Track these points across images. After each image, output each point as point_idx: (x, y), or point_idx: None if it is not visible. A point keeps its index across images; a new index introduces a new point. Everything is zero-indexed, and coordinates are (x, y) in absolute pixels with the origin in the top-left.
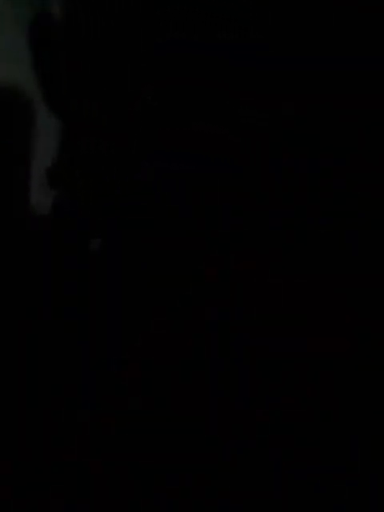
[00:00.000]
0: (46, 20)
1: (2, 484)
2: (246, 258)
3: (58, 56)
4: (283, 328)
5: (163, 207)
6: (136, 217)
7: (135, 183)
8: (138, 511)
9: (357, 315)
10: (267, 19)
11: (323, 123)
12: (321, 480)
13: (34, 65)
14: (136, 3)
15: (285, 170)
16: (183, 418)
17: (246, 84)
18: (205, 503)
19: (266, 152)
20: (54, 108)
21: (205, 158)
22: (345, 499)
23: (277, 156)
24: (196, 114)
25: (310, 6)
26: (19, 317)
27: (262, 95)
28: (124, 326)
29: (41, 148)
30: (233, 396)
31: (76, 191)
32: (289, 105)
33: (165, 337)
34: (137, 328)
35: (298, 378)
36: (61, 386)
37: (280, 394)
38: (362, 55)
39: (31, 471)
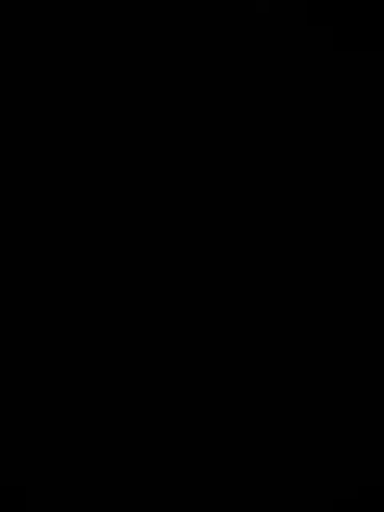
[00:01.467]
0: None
1: (3, 482)
2: (245, 258)
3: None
4: (283, 328)
5: (163, 207)
6: (136, 216)
7: (135, 183)
8: (137, 511)
9: (357, 315)
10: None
11: (323, 123)
12: (320, 479)
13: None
14: (136, 3)
15: (285, 170)
16: (183, 418)
17: (246, 84)
18: (205, 503)
19: (266, 152)
20: (55, 108)
21: (204, 158)
22: (344, 498)
23: (277, 156)
24: (196, 114)
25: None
26: (19, 316)
27: (261, 95)
28: (124, 326)
29: (41, 147)
30: (233, 396)
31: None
32: (288, 105)
33: (165, 336)
34: (137, 328)
35: (297, 378)
36: (61, 386)
37: (280, 393)
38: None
39: (33, 470)
